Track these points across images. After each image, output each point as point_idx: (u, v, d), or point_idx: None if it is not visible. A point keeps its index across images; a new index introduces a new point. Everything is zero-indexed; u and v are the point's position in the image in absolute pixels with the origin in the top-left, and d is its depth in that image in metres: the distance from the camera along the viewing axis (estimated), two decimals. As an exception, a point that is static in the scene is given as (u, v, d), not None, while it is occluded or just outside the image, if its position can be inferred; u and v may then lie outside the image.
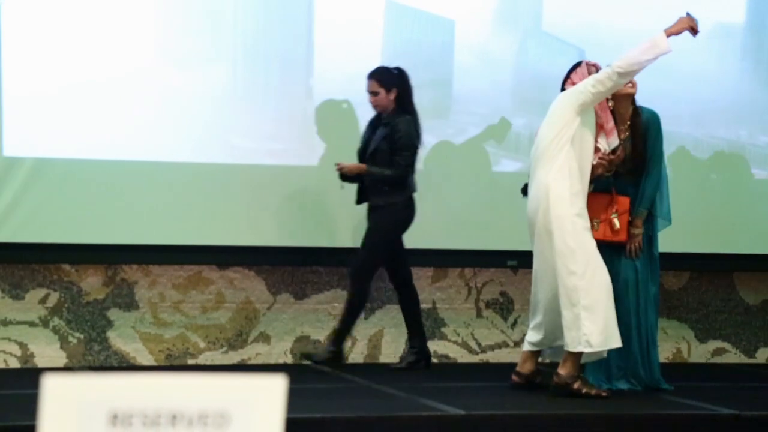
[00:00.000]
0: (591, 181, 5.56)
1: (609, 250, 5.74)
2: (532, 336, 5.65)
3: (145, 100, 6.15)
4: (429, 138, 6.50)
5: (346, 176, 6.01)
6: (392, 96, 6.03)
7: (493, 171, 6.83)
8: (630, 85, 5.62)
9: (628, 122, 5.75)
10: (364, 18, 6.38)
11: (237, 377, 1.60)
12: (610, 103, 5.59)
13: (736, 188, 7.21)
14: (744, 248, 7.35)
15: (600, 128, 5.52)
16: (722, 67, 6.99)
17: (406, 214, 6.12)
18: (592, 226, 5.59)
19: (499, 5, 6.66)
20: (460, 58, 6.60)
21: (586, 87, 5.36)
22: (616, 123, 5.58)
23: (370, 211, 6.14)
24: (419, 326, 6.31)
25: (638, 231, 5.79)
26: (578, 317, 5.36)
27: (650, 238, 5.88)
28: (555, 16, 6.54)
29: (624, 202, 5.75)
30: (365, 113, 6.32)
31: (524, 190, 5.74)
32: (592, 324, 5.36)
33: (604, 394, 5.55)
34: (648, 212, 5.83)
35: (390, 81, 6.01)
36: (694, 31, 5.40)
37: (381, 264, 6.20)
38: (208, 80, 6.22)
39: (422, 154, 6.55)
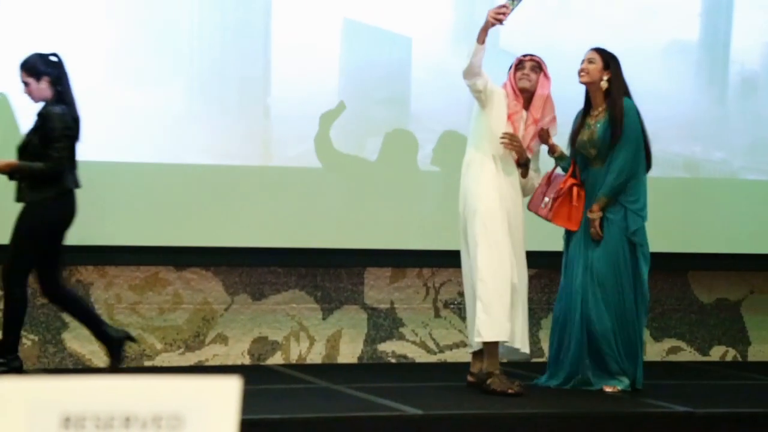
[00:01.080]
0: (521, 165, 5.67)
1: (586, 241, 5.77)
2: (469, 335, 5.71)
3: (101, 116, 6.08)
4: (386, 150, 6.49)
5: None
6: (43, 85, 5.56)
7: (454, 172, 6.80)
8: (580, 75, 5.70)
9: (600, 108, 5.76)
10: (320, 36, 6.36)
11: (191, 379, 1.58)
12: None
13: (690, 189, 7.25)
14: (698, 247, 7.41)
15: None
16: (678, 84, 7.05)
17: (59, 211, 5.55)
18: (542, 206, 5.69)
19: (456, 23, 6.66)
20: (417, 75, 6.59)
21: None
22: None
23: (22, 209, 5.56)
24: (96, 320, 5.80)
25: (594, 216, 5.81)
26: (477, 310, 5.41)
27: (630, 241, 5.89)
28: (512, 34, 6.54)
29: (567, 183, 5.79)
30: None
31: None
32: (484, 314, 5.35)
33: (512, 390, 5.50)
34: (624, 207, 5.83)
35: (38, 70, 5.56)
36: (497, 19, 5.45)
37: (31, 265, 5.58)
38: (164, 99, 6.17)
39: (380, 155, 6.55)
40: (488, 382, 5.51)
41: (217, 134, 6.28)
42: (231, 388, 1.50)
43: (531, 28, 6.65)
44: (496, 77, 5.81)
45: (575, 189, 5.80)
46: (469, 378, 5.79)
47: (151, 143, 6.23)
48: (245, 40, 6.29)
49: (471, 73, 5.44)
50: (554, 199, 5.77)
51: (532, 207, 5.86)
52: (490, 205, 5.53)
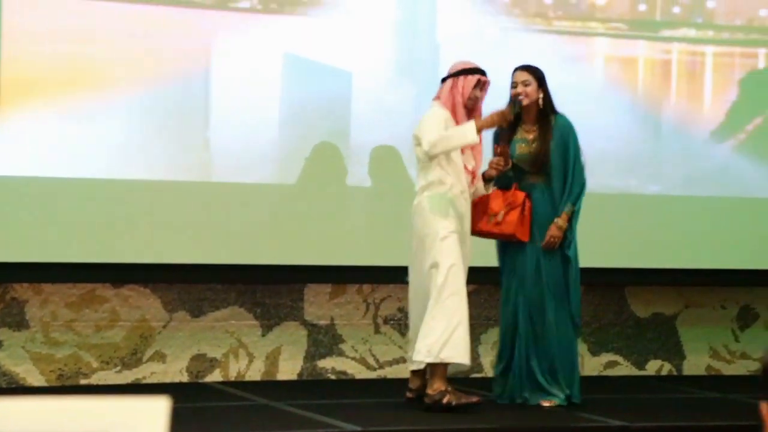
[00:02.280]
0: (489, 181, 5.79)
1: (531, 254, 5.82)
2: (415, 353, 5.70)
3: (35, 134, 6.01)
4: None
5: None
6: None
7: (395, 189, 6.81)
8: (522, 96, 5.76)
9: (535, 125, 5.76)
10: (261, 70, 6.33)
11: (120, 399, 1.56)
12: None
13: (626, 204, 7.32)
14: (634, 262, 7.49)
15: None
16: (613, 119, 7.12)
17: None
18: (489, 221, 5.73)
19: (396, 57, 6.69)
20: (358, 109, 6.59)
21: (420, 139, 5.59)
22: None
23: None
24: None
25: (564, 225, 5.85)
26: (433, 330, 5.35)
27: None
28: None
29: (519, 195, 5.84)
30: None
31: None
32: (445, 335, 5.40)
33: (474, 400, 5.58)
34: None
35: None
36: (506, 122, 5.62)
37: None
38: (104, 131, 6.11)
39: (314, 171, 6.54)
40: (446, 401, 5.51)
41: (154, 152, 6.22)
42: (160, 408, 1.48)
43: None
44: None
45: (527, 201, 5.87)
46: (408, 394, 5.80)
47: (88, 159, 6.16)
48: (186, 71, 6.23)
49: (440, 154, 5.50)
50: (507, 212, 5.80)
51: (474, 227, 5.88)
52: (451, 227, 5.55)
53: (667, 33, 7.08)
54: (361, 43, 6.58)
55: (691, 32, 7.14)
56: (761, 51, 7.33)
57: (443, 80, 5.81)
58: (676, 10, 7.08)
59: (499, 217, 5.84)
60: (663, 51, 7.13)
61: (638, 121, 7.17)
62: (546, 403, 5.92)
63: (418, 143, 5.69)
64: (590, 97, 6.96)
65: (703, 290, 7.68)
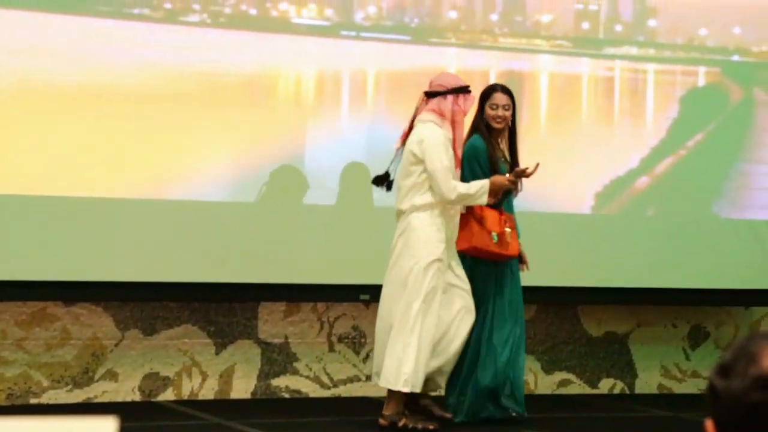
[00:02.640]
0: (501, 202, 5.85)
1: (493, 269, 5.87)
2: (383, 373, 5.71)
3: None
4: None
5: None
6: None
7: (348, 207, 6.82)
8: (497, 121, 5.69)
9: (504, 144, 5.89)
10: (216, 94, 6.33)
11: (67, 420, 1.55)
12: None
13: (578, 225, 7.38)
14: (587, 282, 7.54)
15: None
16: (562, 136, 7.26)
17: None
18: (490, 241, 5.76)
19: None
20: (312, 135, 6.60)
21: (425, 163, 5.56)
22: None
23: None
24: None
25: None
26: (398, 355, 5.45)
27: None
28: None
29: (511, 217, 5.90)
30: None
31: (374, 181, 5.79)
32: (409, 364, 5.45)
33: (431, 427, 5.62)
34: None
35: None
36: (516, 187, 5.88)
37: None
38: (52, 148, 6.08)
39: (271, 191, 6.53)
40: (402, 423, 5.54)
41: (106, 169, 6.18)
42: (108, 428, 1.47)
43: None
44: (389, 138, 5.84)
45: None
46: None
47: (37, 176, 6.10)
48: (137, 87, 6.21)
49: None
50: (512, 234, 5.87)
51: (468, 243, 5.88)
52: (437, 253, 5.64)
53: (610, 51, 7.16)
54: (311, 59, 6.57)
55: (633, 50, 7.22)
56: (701, 69, 7.44)
57: (434, 94, 5.70)
58: (619, 28, 7.17)
59: (508, 238, 5.88)
60: (606, 68, 7.20)
61: (585, 138, 7.23)
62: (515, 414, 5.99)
63: (418, 162, 5.64)
64: (537, 114, 7.03)
65: (655, 309, 7.77)
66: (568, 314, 7.66)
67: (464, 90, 5.67)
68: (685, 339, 7.88)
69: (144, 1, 6.13)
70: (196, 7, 6.19)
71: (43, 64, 6.00)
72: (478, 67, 6.76)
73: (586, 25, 7.03)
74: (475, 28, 6.79)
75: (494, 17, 6.79)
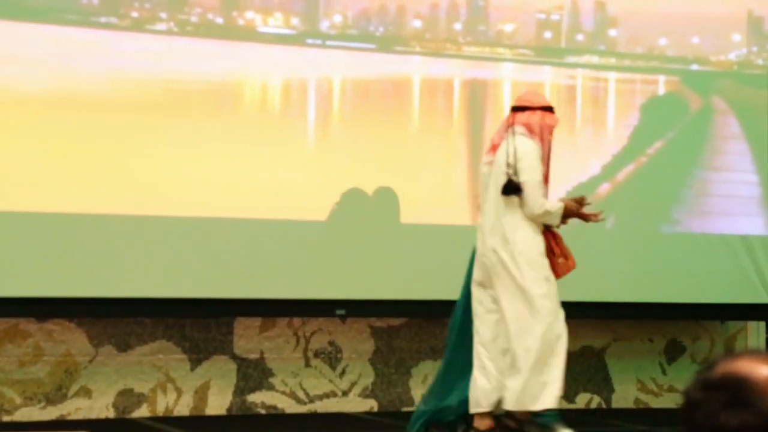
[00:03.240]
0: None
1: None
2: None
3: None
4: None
5: None
6: None
7: (322, 221, 6.82)
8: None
9: None
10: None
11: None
12: None
13: None
14: (563, 296, 7.55)
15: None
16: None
17: None
18: (559, 264, 5.83)
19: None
20: (280, 146, 6.72)
21: (521, 174, 5.67)
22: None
23: None
24: None
25: None
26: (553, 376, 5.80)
27: None
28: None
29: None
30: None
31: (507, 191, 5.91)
32: (547, 377, 5.80)
33: None
34: None
35: None
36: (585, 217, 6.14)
37: None
38: (22, 160, 6.14)
39: (246, 200, 6.54)
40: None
41: (74, 181, 6.16)
42: None
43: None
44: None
45: None
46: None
47: (4, 190, 6.08)
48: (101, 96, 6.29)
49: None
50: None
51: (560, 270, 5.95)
52: (545, 273, 5.87)
53: (571, 59, 7.31)
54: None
55: (594, 59, 7.39)
56: (661, 78, 7.66)
57: (523, 108, 5.84)
58: (580, 37, 7.40)
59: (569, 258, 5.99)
60: (568, 77, 7.34)
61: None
62: None
63: (515, 172, 5.69)
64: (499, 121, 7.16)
65: (631, 323, 8.05)
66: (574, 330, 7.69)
67: (550, 109, 5.74)
68: (661, 353, 8.14)
69: (111, 10, 6.28)
70: (163, 15, 6.36)
71: (11, 72, 6.05)
72: (442, 75, 6.93)
73: (548, 35, 7.23)
74: (439, 37, 6.97)
75: (458, 26, 6.99)
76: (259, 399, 6.98)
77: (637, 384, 7.93)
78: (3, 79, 6.18)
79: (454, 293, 6.93)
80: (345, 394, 7.22)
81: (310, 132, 6.84)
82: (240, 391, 6.98)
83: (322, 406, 7.15)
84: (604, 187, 7.53)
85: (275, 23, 6.63)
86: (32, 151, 6.30)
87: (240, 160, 6.72)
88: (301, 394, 7.14)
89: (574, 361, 7.86)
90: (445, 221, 7.03)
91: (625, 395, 7.90)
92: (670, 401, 7.93)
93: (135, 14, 6.40)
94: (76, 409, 6.59)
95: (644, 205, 7.68)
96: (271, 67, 6.70)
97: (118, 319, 6.67)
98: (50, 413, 6.51)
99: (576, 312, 7.74)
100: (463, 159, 7.05)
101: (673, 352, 8.09)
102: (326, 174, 6.86)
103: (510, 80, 7.32)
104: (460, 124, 7.11)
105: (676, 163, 7.72)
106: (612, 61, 7.57)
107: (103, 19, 6.32)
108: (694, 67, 7.76)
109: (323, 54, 6.80)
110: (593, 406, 7.79)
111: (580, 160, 7.47)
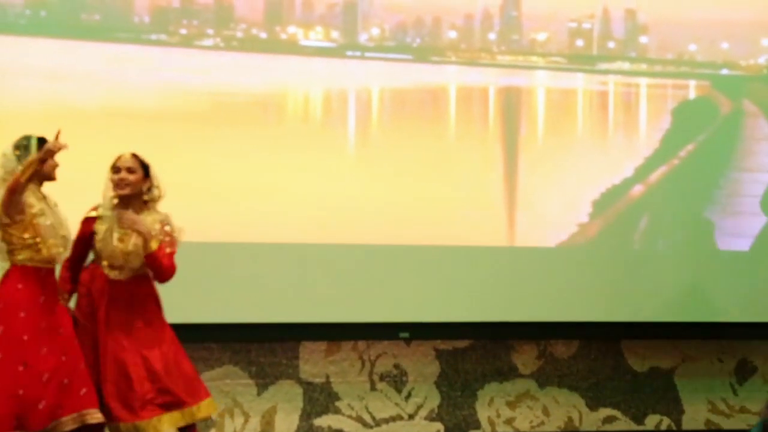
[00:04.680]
0: None
1: None
2: None
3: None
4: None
5: None
6: None
7: (383, 244, 8.30)
8: None
9: None
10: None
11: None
12: None
13: (620, 259, 8.94)
14: (630, 316, 8.97)
15: None
16: (564, 150, 9.02)
17: None
18: None
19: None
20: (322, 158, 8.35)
21: None
22: None
23: None
24: None
25: None
26: None
27: None
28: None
29: None
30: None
31: None
32: None
33: None
34: None
35: None
36: None
37: None
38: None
39: (318, 230, 8.06)
40: None
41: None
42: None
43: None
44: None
45: None
46: None
47: (67, 197, 7.41)
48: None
49: None
50: None
51: None
52: None
53: (603, 66, 8.95)
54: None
55: (626, 65, 9.03)
56: (691, 82, 9.30)
57: None
58: (611, 45, 9.04)
59: None
60: (600, 83, 8.96)
61: (581, 150, 8.84)
62: None
63: None
64: (534, 127, 8.72)
65: (700, 343, 9.32)
66: (611, 350, 9.02)
67: None
68: (731, 374, 9.42)
69: (161, 28, 7.80)
70: (210, 32, 7.89)
71: (68, 88, 7.54)
72: (477, 83, 8.54)
73: (580, 43, 8.86)
74: (474, 47, 8.56)
75: (492, 36, 8.60)
76: (326, 423, 8.26)
77: (708, 405, 9.22)
78: (61, 95, 7.64)
79: (517, 315, 8.42)
80: (411, 417, 8.54)
81: (351, 140, 8.37)
82: (306, 415, 8.27)
83: (388, 430, 8.45)
84: (637, 189, 9.05)
85: (316, 37, 8.21)
86: (87, 161, 7.40)
87: (284, 170, 8.06)
88: (367, 418, 8.43)
89: (642, 382, 9.17)
90: (501, 242, 8.50)
91: (695, 416, 9.20)
92: (741, 422, 9.19)
93: (183, 31, 7.96)
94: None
95: (679, 207, 9.13)
96: (313, 78, 8.24)
97: (186, 345, 7.82)
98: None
99: (643, 332, 9.04)
100: (498, 164, 8.60)
101: (744, 372, 9.35)
102: (368, 186, 8.26)
103: (543, 87, 8.91)
104: (495, 131, 8.65)
105: (708, 165, 9.20)
106: (643, 67, 9.20)
107: (153, 36, 7.90)
108: (724, 71, 9.41)
109: (362, 65, 8.37)
110: (663, 427, 9.08)
111: (613, 163, 8.95)
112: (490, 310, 8.48)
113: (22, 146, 6.26)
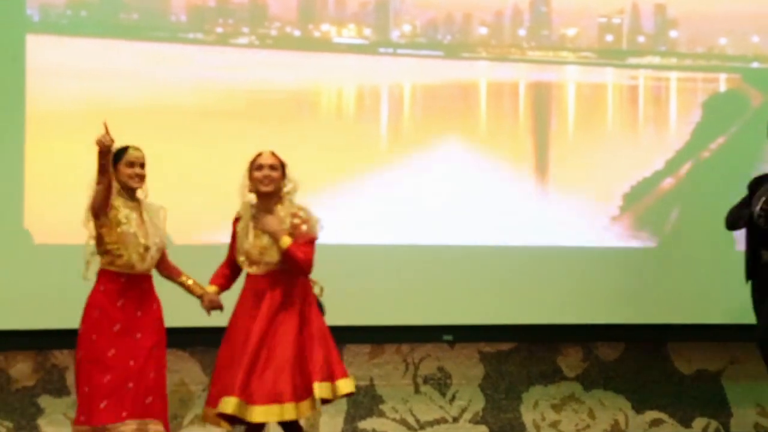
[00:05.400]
0: None
1: None
2: None
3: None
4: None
5: None
6: None
7: (431, 245, 9.07)
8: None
9: None
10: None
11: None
12: None
13: (666, 260, 9.67)
14: (676, 318, 9.66)
15: None
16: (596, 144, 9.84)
17: None
18: None
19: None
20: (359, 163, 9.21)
21: None
22: None
23: None
24: None
25: None
26: None
27: None
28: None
29: None
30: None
31: None
32: None
33: None
34: None
35: None
36: None
37: None
38: None
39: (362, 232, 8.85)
40: None
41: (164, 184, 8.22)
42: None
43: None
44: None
45: None
46: None
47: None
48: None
49: None
50: None
51: None
52: None
53: (633, 61, 9.82)
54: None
55: (656, 60, 9.89)
56: (722, 76, 10.15)
57: None
58: (641, 39, 9.91)
59: None
60: (630, 77, 9.83)
61: (611, 143, 9.66)
62: None
63: None
64: (565, 122, 9.58)
65: (748, 345, 9.73)
66: (657, 352, 9.80)
67: None
68: None
69: (198, 27, 8.59)
70: (245, 30, 8.70)
71: (107, 86, 8.39)
72: (508, 79, 9.43)
73: (609, 37, 9.73)
74: (504, 43, 9.43)
75: (522, 32, 9.46)
76: (370, 426, 8.98)
77: (757, 408, 9.92)
78: (101, 93, 8.44)
79: (561, 317, 9.19)
80: (455, 420, 9.29)
81: (383, 136, 9.17)
82: (351, 418, 9.00)
83: (432, 432, 9.24)
84: (668, 182, 9.82)
85: (349, 34, 9.05)
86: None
87: (318, 165, 8.78)
88: (411, 421, 9.15)
89: (689, 384, 9.86)
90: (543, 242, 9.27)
91: (743, 420, 9.90)
92: (793, 425, 10.00)
93: (219, 30, 8.83)
94: (195, 438, 8.57)
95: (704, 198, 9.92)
96: (346, 75, 9.10)
97: (229, 348, 8.65)
98: (173, 443, 8.39)
99: (690, 335, 9.74)
100: (530, 157, 9.42)
101: (794, 375, 10.17)
102: (401, 182, 9.04)
103: (574, 82, 9.76)
104: (526, 125, 9.46)
105: (739, 158, 9.93)
106: (673, 61, 10.06)
107: (190, 35, 8.76)
108: (755, 65, 10.25)
109: (394, 62, 9.23)
110: (710, 430, 9.77)
111: (643, 156, 9.72)
112: (534, 313, 9.23)
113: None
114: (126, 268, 7.02)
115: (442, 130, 9.09)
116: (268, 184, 7.17)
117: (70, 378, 8.32)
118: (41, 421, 8.34)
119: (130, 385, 6.90)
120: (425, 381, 9.29)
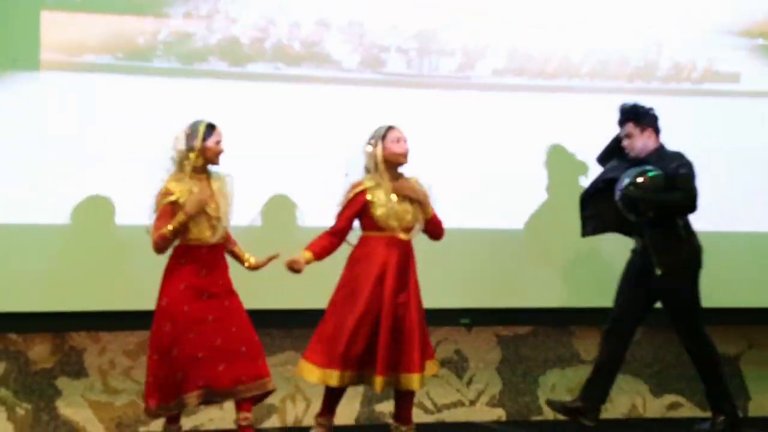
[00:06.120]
0: None
1: None
2: None
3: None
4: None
5: None
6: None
7: (448, 229, 9.15)
8: None
9: None
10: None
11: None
12: None
13: None
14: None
15: None
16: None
17: None
18: None
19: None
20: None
21: None
22: None
23: None
24: None
25: None
26: None
27: None
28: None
29: None
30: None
31: None
32: None
33: None
34: None
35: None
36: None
37: None
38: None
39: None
40: None
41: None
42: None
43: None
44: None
45: None
46: None
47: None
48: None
49: None
50: None
51: None
52: None
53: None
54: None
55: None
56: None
57: None
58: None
59: None
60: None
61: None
62: None
63: None
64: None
65: (767, 329, 10.19)
66: (675, 336, 9.85)
67: None
68: None
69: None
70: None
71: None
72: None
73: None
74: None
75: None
76: (387, 409, 9.29)
77: (775, 392, 10.22)
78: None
79: (578, 300, 9.29)
80: (472, 403, 9.60)
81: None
82: (368, 401, 9.35)
83: (449, 416, 9.51)
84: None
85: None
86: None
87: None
88: (428, 404, 9.46)
89: (708, 368, 10.12)
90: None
91: (762, 404, 10.16)
92: (810, 410, 10.20)
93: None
94: (209, 419, 8.96)
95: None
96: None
97: (247, 330, 8.94)
98: (185, 424, 8.71)
99: (709, 318, 9.79)
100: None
101: (812, 359, 10.33)
102: (423, 168, 8.97)
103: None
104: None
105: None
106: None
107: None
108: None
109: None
110: (728, 414, 10.03)
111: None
112: (551, 296, 9.48)
113: (191, 129, 7.55)
114: (200, 241, 7.54)
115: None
116: (406, 157, 7.90)
117: (88, 360, 8.73)
118: (60, 403, 8.78)
119: (243, 349, 7.62)
120: (442, 364, 9.57)
